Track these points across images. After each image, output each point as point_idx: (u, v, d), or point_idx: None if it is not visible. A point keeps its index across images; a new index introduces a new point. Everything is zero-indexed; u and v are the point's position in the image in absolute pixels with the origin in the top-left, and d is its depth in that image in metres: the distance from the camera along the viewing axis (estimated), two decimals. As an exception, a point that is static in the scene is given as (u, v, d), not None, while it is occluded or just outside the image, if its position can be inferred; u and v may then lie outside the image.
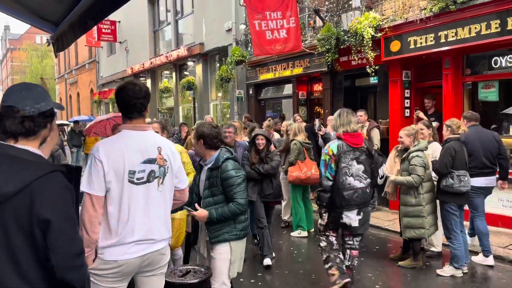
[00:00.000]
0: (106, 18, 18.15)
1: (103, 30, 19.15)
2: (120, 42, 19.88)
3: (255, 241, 5.80)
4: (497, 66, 6.53)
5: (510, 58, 6.36)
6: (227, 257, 3.17)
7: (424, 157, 4.81)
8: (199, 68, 14.20)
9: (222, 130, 3.35)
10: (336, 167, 3.95)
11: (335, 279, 4.03)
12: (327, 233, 4.19)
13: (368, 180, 4.03)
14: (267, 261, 5.07)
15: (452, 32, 6.53)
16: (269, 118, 8.94)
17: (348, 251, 4.17)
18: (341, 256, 4.15)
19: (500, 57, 6.47)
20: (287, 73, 10.37)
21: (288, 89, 10.99)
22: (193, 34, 14.40)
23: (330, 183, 3.96)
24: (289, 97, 10.94)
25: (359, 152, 4.01)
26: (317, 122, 6.59)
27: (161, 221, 2.43)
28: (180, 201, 2.67)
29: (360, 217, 4.01)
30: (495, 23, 6.00)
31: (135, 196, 2.31)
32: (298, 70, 10.02)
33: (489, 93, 6.68)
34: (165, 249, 2.50)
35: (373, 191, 7.52)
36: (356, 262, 4.20)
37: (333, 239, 4.16)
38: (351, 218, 3.98)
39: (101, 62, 23.58)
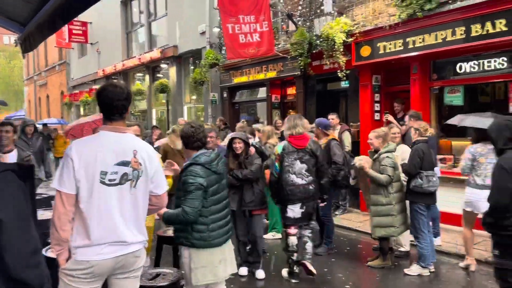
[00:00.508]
0: (77, 19, 17.82)
1: (74, 31, 18.74)
2: (91, 44, 19.51)
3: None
4: (462, 71, 6.78)
5: (474, 64, 6.60)
6: (187, 262, 3.07)
7: (393, 158, 4.96)
8: (172, 71, 14.09)
9: (201, 130, 3.20)
10: (281, 166, 4.55)
11: (285, 272, 4.87)
12: (287, 231, 4.70)
13: (311, 178, 4.61)
14: (242, 271, 4.97)
15: (420, 38, 6.74)
16: (242, 120, 8.98)
17: (302, 238, 4.80)
18: (294, 257, 4.71)
19: (465, 63, 6.71)
20: (261, 76, 10.43)
21: (262, 92, 11.06)
22: (167, 37, 14.29)
23: (275, 179, 4.60)
24: (263, 101, 11.00)
25: (303, 152, 4.59)
26: None
27: (134, 224, 2.42)
28: (157, 206, 2.64)
29: (302, 210, 4.62)
30: (460, 30, 6.23)
31: (106, 197, 2.32)
32: (271, 74, 10.09)
33: (454, 98, 6.93)
34: (140, 252, 2.48)
35: (346, 194, 7.75)
36: (308, 246, 4.77)
37: (290, 239, 4.67)
38: (295, 211, 4.61)
39: (71, 64, 23.05)
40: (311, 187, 4.59)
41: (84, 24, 18.85)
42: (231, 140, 4.88)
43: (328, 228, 5.78)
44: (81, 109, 20.74)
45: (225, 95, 12.03)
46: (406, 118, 6.00)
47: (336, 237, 6.11)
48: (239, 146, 4.78)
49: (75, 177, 2.26)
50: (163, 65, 14.64)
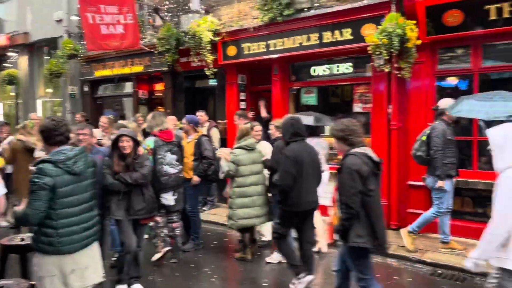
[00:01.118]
0: None
1: None
2: None
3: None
4: (316, 74, 7.46)
5: (326, 68, 7.33)
6: (36, 268, 2.81)
7: (239, 154, 5.15)
8: (23, 60, 12.68)
9: (63, 123, 2.88)
10: (154, 159, 4.90)
11: (160, 248, 5.18)
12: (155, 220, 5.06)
13: (180, 167, 5.17)
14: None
15: (280, 42, 7.22)
16: (109, 116, 8.45)
17: (170, 224, 5.27)
18: (165, 230, 5.19)
19: (319, 67, 7.40)
20: (126, 70, 10.00)
21: (128, 87, 10.60)
22: (17, 22, 12.75)
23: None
24: (130, 96, 10.56)
25: (172, 145, 5.13)
26: None
27: None
28: None
29: (175, 197, 5.08)
30: (315, 36, 6.84)
31: None
32: (138, 68, 9.75)
33: (309, 98, 7.61)
34: None
35: (212, 189, 7.88)
36: (178, 232, 5.41)
37: (159, 219, 5.12)
38: (168, 199, 5.03)
39: None
40: (180, 175, 5.16)
41: None
42: (117, 138, 4.23)
43: (194, 224, 5.82)
44: None
45: (86, 89, 11.23)
46: (235, 117, 6.53)
47: (203, 232, 6.19)
48: (127, 145, 4.16)
49: None
50: (12, 54, 13.07)
